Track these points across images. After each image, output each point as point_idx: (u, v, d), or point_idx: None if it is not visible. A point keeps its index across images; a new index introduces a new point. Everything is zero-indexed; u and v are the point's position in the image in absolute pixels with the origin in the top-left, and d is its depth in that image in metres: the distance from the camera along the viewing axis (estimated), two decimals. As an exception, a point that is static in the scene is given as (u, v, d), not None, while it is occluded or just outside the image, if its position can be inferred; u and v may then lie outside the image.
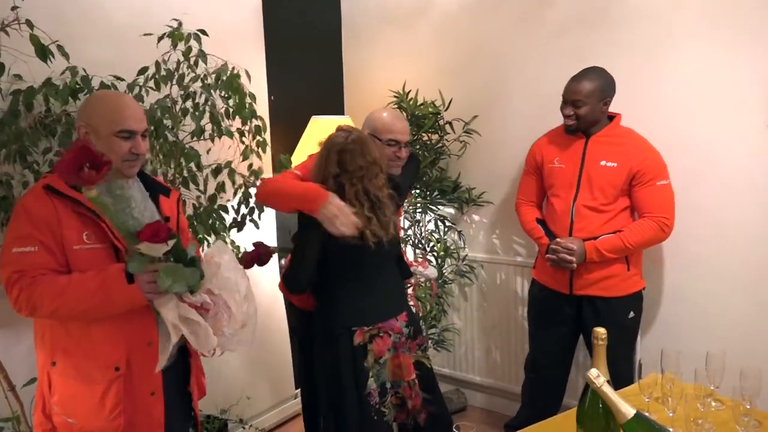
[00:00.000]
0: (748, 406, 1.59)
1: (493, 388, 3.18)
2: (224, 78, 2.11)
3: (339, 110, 3.49)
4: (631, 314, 2.45)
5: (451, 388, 3.27)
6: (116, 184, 1.59)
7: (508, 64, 2.92)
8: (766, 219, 2.40)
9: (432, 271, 2.48)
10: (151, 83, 2.10)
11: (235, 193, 2.40)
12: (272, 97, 3.13)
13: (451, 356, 3.28)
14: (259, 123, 2.32)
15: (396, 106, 2.99)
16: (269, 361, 3.06)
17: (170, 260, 1.53)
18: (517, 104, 2.89)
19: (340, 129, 2.00)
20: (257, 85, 3.06)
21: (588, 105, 2.32)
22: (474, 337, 3.22)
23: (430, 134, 2.99)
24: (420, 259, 2.44)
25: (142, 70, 2.07)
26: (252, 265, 2.21)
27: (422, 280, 3.00)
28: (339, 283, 1.99)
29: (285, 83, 3.18)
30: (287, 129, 3.14)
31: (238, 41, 2.86)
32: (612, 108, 2.42)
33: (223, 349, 1.61)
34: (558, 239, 2.38)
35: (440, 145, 2.99)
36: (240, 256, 2.24)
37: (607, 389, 1.29)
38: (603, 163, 2.36)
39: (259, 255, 2.19)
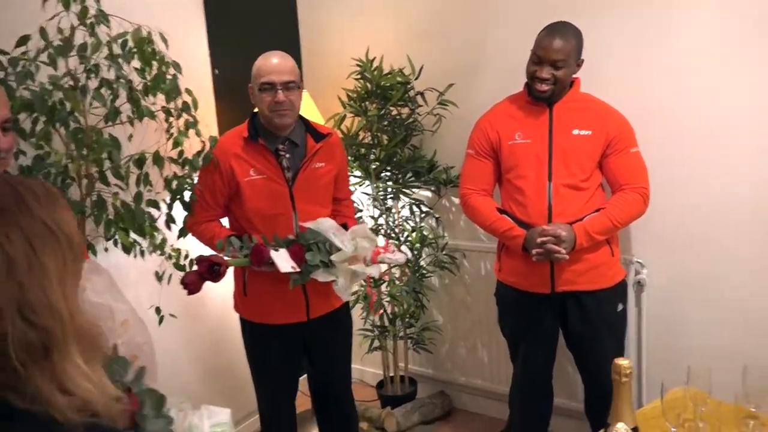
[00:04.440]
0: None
1: (481, 389, 2.86)
2: (131, 44, 1.70)
3: (297, 83, 3.08)
4: (620, 306, 2.17)
5: (434, 391, 2.94)
6: None
7: (486, 23, 2.52)
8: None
9: (401, 256, 2.08)
10: (45, 57, 1.67)
11: (166, 186, 1.99)
12: (217, 71, 2.71)
13: (433, 357, 2.94)
14: (188, 99, 1.91)
15: (359, 76, 2.59)
16: (226, 382, 2.68)
17: None
18: (498, 68, 2.50)
19: None
20: (197, 57, 2.64)
21: (568, 66, 2.00)
22: (458, 335, 2.88)
23: (399, 108, 2.59)
24: (387, 247, 2.05)
25: (22, 40, 1.64)
26: (200, 286, 1.84)
27: (393, 267, 2.64)
28: None
29: (232, 53, 2.74)
30: (236, 106, 2.72)
31: (168, 4, 2.44)
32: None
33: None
34: (543, 227, 2.00)
35: (411, 119, 2.60)
36: (181, 280, 1.86)
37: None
38: (576, 131, 2.04)
39: (210, 266, 1.81)
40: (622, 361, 1.04)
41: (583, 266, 2.08)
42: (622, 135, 2.06)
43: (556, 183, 2.06)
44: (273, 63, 1.92)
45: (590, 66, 2.10)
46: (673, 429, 1.37)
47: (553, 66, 1.99)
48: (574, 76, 2.09)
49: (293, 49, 3.05)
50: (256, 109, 2.09)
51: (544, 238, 1.98)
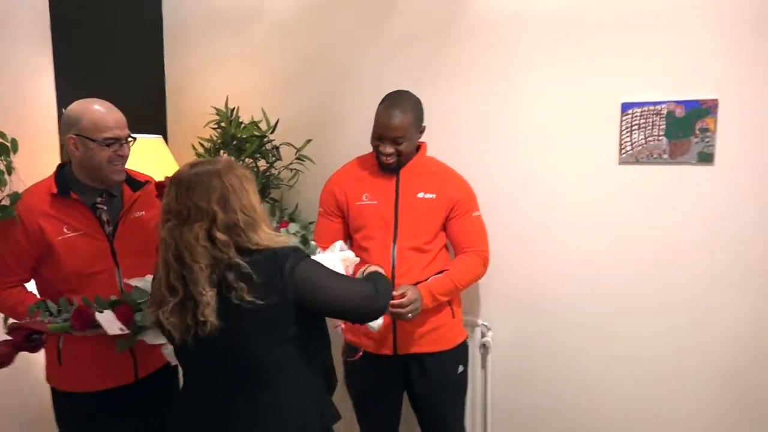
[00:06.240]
0: None
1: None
2: None
3: (160, 128, 2.93)
4: (461, 368, 2.19)
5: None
6: None
7: (345, 81, 2.56)
8: (623, 263, 2.22)
9: None
10: None
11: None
12: (64, 109, 2.53)
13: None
14: (6, 142, 1.74)
15: (216, 125, 2.51)
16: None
17: None
18: (354, 126, 2.52)
19: None
20: (39, 92, 2.47)
21: (410, 139, 2.05)
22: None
23: (256, 160, 2.54)
24: None
25: None
26: (13, 358, 1.63)
27: None
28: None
29: (84, 91, 2.58)
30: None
31: (6, 33, 2.29)
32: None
33: None
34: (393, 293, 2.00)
35: (269, 173, 2.55)
36: None
37: None
38: (421, 195, 2.08)
39: (28, 335, 1.61)
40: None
41: (425, 328, 2.09)
42: (464, 199, 2.12)
43: (401, 245, 2.07)
44: (116, 116, 1.83)
45: (436, 131, 2.16)
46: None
47: (394, 142, 2.04)
48: (420, 140, 2.14)
49: (158, 91, 2.95)
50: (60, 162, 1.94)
51: (393, 301, 1.96)
